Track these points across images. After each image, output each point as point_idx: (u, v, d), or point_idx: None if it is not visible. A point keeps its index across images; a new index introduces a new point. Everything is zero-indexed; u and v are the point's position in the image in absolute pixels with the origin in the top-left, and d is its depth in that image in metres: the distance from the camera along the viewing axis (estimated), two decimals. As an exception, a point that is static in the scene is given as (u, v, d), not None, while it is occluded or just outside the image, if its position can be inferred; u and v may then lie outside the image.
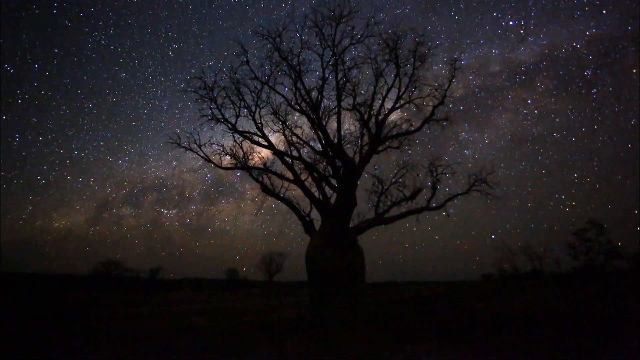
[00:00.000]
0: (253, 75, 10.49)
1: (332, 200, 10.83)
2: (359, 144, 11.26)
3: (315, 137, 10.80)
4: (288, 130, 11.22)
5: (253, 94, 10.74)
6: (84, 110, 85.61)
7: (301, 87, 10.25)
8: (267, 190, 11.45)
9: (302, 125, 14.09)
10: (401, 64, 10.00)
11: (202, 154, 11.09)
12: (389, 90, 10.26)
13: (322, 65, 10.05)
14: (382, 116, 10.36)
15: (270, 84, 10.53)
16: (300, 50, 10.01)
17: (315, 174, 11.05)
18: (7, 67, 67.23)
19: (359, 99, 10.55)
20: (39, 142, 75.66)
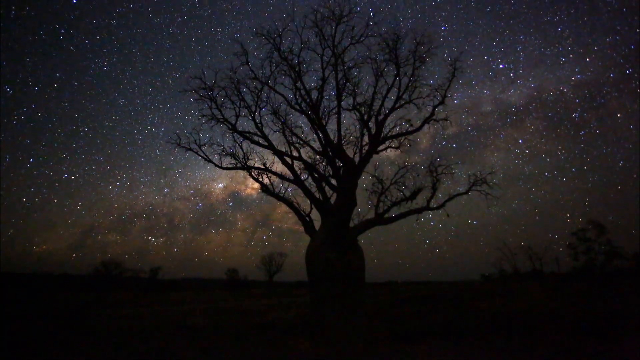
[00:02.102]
0: (253, 75, 10.50)
1: (332, 200, 10.82)
2: (359, 144, 11.26)
3: (315, 137, 10.80)
4: (288, 130, 11.22)
5: (253, 94, 10.74)
6: (78, 133, 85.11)
7: (301, 87, 10.26)
8: (267, 190, 11.45)
9: (302, 125, 14.12)
10: (401, 64, 10.00)
11: (202, 154, 11.08)
12: (389, 90, 10.26)
13: (322, 65, 10.05)
14: (382, 116, 10.36)
15: (270, 84, 10.53)
16: (300, 50, 10.02)
17: (315, 174, 11.05)
18: (6, 88, 67.04)
19: (359, 99, 10.55)
20: (29, 163, 74.02)
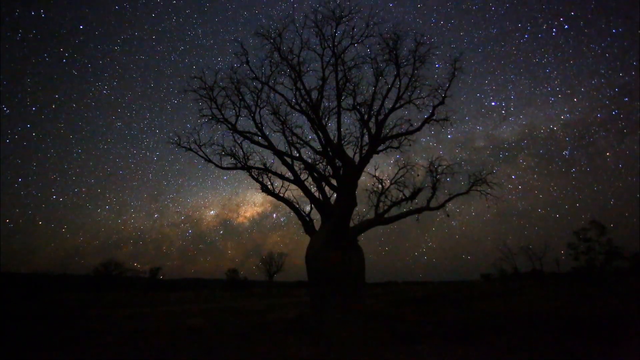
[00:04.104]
0: (253, 75, 10.51)
1: (332, 200, 10.82)
2: (359, 144, 11.27)
3: (315, 137, 10.81)
4: (288, 130, 11.23)
5: (253, 94, 10.75)
6: (71, 155, 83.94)
7: (301, 87, 10.27)
8: (267, 190, 11.44)
9: (302, 125, 14.09)
10: (401, 64, 10.00)
11: (202, 154, 11.08)
12: (389, 90, 10.26)
13: (322, 65, 10.06)
14: (382, 116, 10.36)
15: (270, 84, 10.54)
16: (300, 50, 10.02)
17: (315, 174, 11.05)
18: (3, 108, 66.31)
19: (359, 99, 10.56)
20: (17, 183, 72.01)
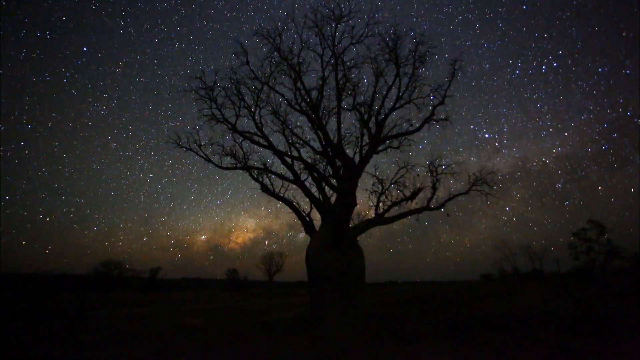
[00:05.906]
0: (253, 75, 10.50)
1: (332, 200, 10.82)
2: (359, 144, 11.26)
3: (315, 137, 10.81)
4: (288, 130, 11.23)
5: (253, 94, 10.74)
6: (63, 174, 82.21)
7: (301, 87, 10.26)
8: (267, 190, 11.44)
9: (302, 125, 14.11)
10: (401, 64, 9.99)
11: (202, 154, 11.07)
12: (389, 90, 10.26)
13: (322, 65, 10.05)
14: (382, 116, 10.35)
15: (270, 84, 10.53)
16: (300, 50, 10.02)
17: (315, 174, 11.05)
18: None
19: (359, 99, 10.55)
20: (5, 201, 69.04)
